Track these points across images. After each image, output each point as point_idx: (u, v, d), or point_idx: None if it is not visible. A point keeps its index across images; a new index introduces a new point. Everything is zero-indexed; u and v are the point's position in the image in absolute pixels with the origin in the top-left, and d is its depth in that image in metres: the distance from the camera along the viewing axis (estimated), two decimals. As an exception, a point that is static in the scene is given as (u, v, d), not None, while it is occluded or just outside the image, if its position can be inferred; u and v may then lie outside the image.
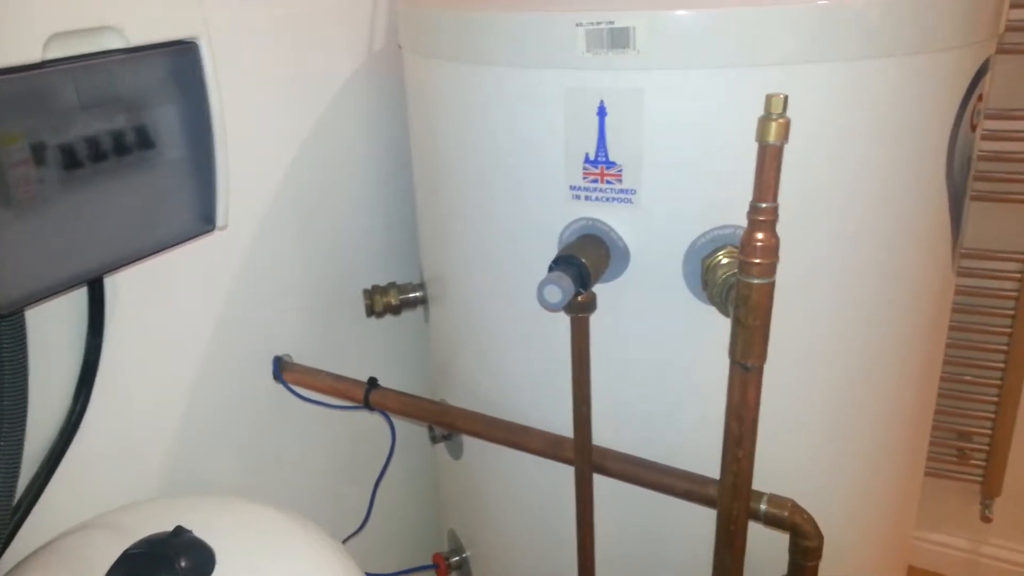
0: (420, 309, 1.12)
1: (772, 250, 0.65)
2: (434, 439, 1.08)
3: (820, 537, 0.77)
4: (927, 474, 1.20)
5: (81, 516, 0.76)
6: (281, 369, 1.05)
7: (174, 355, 0.90)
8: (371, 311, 1.09)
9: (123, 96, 0.66)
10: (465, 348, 1.01)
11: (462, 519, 1.14)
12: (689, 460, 0.84)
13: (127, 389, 0.84)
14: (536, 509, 0.99)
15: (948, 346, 1.07)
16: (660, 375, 0.83)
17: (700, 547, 0.86)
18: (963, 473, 1.65)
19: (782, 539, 0.80)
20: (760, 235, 0.64)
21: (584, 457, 0.83)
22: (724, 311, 0.74)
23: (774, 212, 0.64)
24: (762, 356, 0.68)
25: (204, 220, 0.77)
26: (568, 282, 0.72)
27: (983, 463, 1.63)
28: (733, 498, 0.73)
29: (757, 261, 0.65)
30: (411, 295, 1.10)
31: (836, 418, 0.86)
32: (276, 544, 0.73)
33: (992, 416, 1.57)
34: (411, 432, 1.17)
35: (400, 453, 1.09)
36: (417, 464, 1.24)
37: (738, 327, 0.67)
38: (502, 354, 0.95)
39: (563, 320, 0.79)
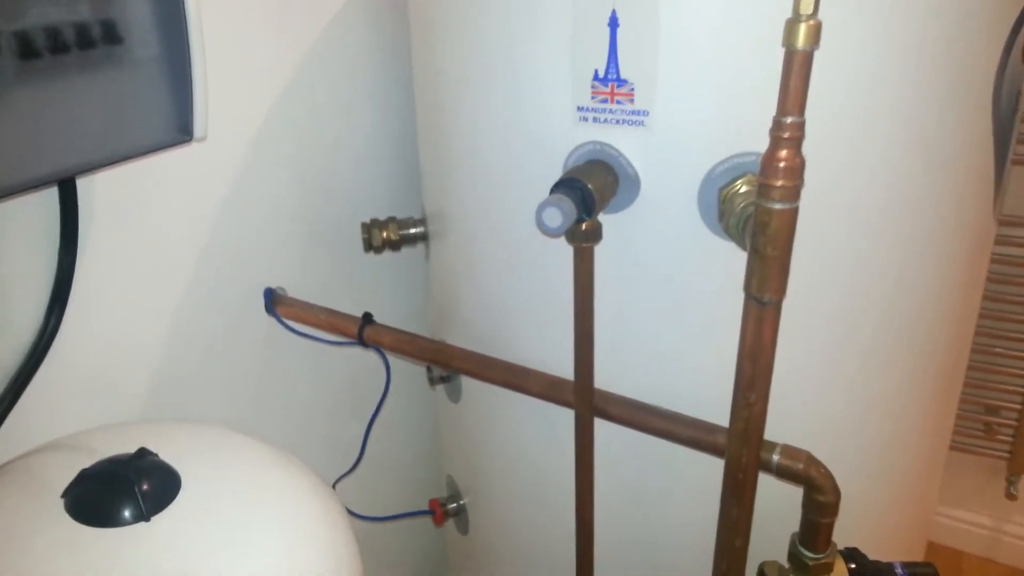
0: (421, 247, 1.07)
1: (796, 171, 0.58)
2: (432, 381, 1.03)
3: (837, 492, 0.72)
4: (951, 448, 1.14)
5: (51, 441, 0.72)
6: (273, 302, 1.01)
7: (157, 279, 0.86)
8: (369, 246, 1.04)
9: (87, -16, 0.60)
10: (466, 287, 0.95)
11: (461, 465, 1.10)
12: (697, 410, 0.78)
13: (104, 312, 0.80)
14: (535, 456, 0.95)
15: (979, 316, 1.00)
16: (669, 314, 0.77)
17: (706, 502, 0.81)
18: (989, 448, 1.59)
19: (795, 494, 0.75)
20: (783, 154, 0.58)
21: (585, 400, 0.78)
22: (742, 244, 0.67)
23: (800, 128, 0.57)
24: (780, 290, 0.62)
25: (181, 129, 0.71)
26: (569, 205, 0.66)
27: (1011, 438, 1.57)
28: (743, 445, 0.67)
29: (779, 184, 0.58)
30: (411, 231, 1.05)
31: (861, 369, 0.80)
32: (253, 475, 0.68)
33: (1023, 390, 1.50)
34: (410, 374, 1.12)
35: (398, 396, 1.05)
36: (416, 408, 1.20)
37: (755, 258, 0.61)
38: (503, 293, 0.89)
39: (566, 255, 0.73)
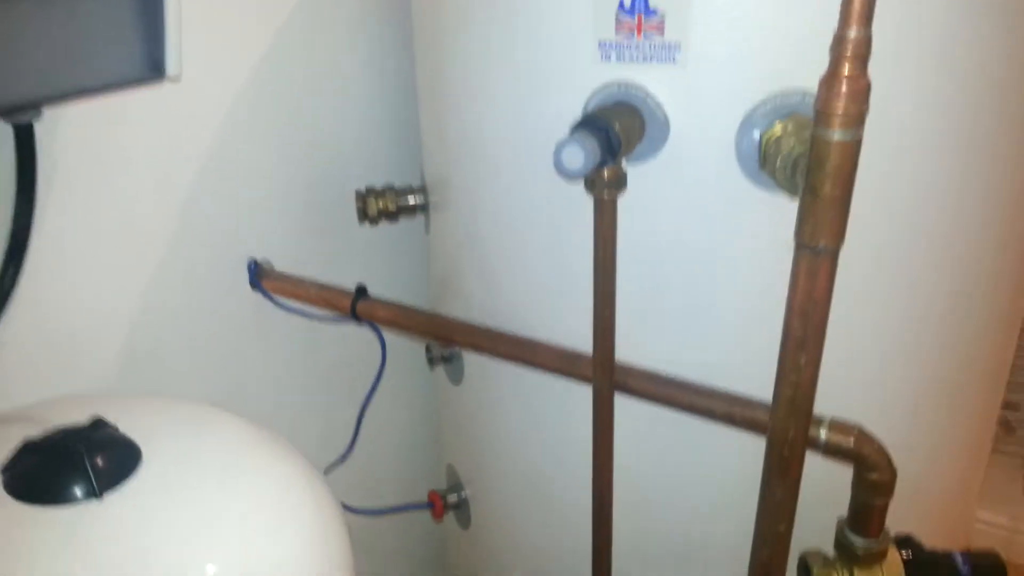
0: (420, 218, 0.99)
1: (860, 94, 0.50)
2: (431, 361, 0.95)
3: (892, 470, 0.64)
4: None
5: None
6: (259, 275, 0.92)
7: (129, 241, 0.77)
8: (364, 216, 0.95)
9: None
10: (469, 260, 0.87)
11: (462, 453, 1.01)
12: (730, 384, 0.70)
13: (68, 272, 0.72)
14: (546, 441, 0.86)
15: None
16: (700, 275, 0.69)
17: (741, 486, 0.73)
18: (1006, 446, 1.52)
19: (837, 475, 0.67)
20: (846, 71, 0.50)
21: (605, 371, 0.70)
22: (790, 187, 0.60)
23: (866, 45, 0.50)
24: (839, 236, 0.54)
25: (152, 66, 0.63)
26: (593, 145, 0.59)
27: None
28: (790, 416, 0.59)
29: (840, 109, 0.50)
30: (410, 200, 0.96)
31: (921, 344, 0.72)
32: (229, 453, 0.60)
33: None
34: (407, 354, 1.04)
35: (394, 377, 0.97)
36: (414, 391, 1.11)
37: (810, 199, 0.53)
38: (512, 264, 0.81)
39: (585, 213, 0.65)
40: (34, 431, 0.53)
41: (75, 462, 0.48)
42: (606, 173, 0.63)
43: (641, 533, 0.82)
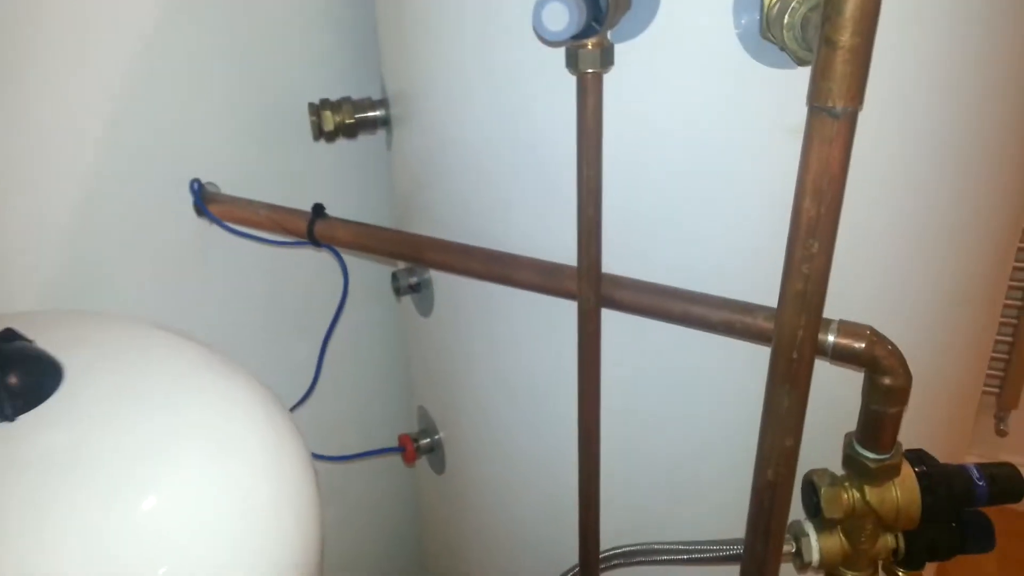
0: (381, 134, 0.91)
1: (887, -77, 0.44)
2: (398, 291, 0.87)
3: (908, 374, 0.58)
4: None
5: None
6: (205, 200, 0.84)
7: (52, 146, 0.68)
8: (319, 131, 0.87)
9: None
10: (436, 176, 0.80)
11: (434, 393, 0.94)
12: (727, 294, 0.64)
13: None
14: (527, 373, 0.79)
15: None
16: (694, 166, 0.62)
17: (739, 402, 0.68)
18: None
19: (848, 380, 0.61)
20: None
21: (591, 280, 0.63)
22: (801, 47, 0.53)
23: None
24: (858, 95, 0.47)
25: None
26: (580, 2, 0.51)
27: (1000, 373, 1.48)
28: (800, 313, 0.53)
29: (863, -58, 0.44)
30: (369, 113, 0.88)
31: (935, 249, 0.66)
32: (170, 375, 0.52)
33: (1013, 322, 1.42)
34: (371, 285, 0.96)
35: (358, 311, 0.89)
36: (379, 326, 1.03)
37: (827, 51, 0.46)
38: (484, 177, 0.74)
39: (563, 114, 0.58)
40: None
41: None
42: (590, 44, 0.55)
43: (628, 466, 0.76)
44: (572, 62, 0.56)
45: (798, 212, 0.51)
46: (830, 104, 0.47)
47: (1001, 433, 1.58)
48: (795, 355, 0.55)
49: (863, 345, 0.58)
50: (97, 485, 0.43)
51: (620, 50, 0.59)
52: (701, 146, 0.62)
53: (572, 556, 0.78)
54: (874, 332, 0.58)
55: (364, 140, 0.89)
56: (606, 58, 0.56)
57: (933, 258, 0.66)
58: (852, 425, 0.64)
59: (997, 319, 0.87)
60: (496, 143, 0.72)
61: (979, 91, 0.63)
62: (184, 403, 0.48)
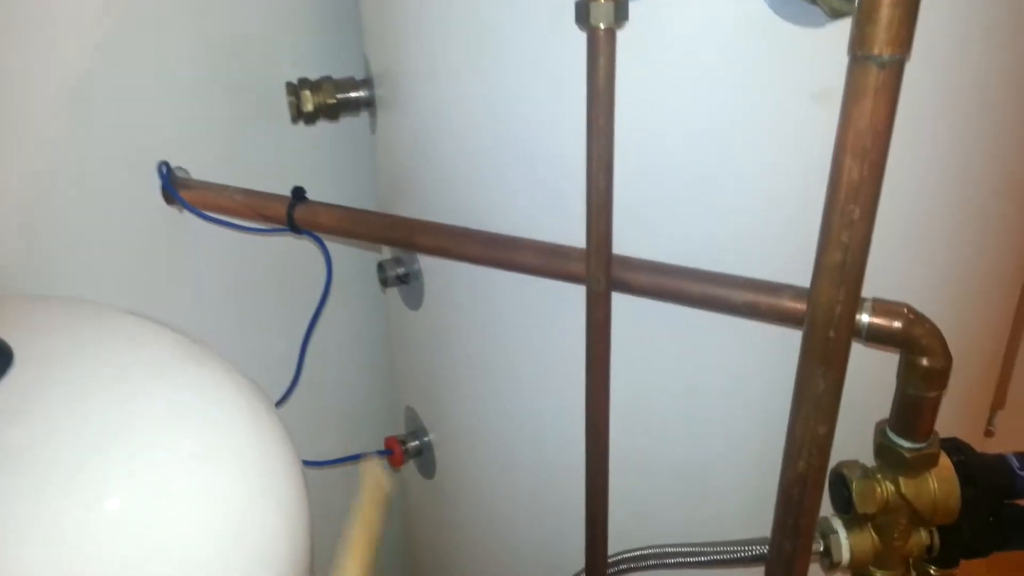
0: (364, 116, 0.85)
1: None
2: (385, 282, 0.81)
3: (948, 356, 0.54)
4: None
5: None
6: (174, 185, 0.77)
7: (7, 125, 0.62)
8: (298, 113, 0.81)
9: None
10: (425, 161, 0.74)
11: (423, 393, 0.88)
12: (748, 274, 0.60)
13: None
14: (525, 366, 0.74)
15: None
16: (711, 135, 0.58)
17: (765, 391, 0.63)
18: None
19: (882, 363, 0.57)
20: None
21: (600, 259, 0.58)
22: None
23: None
24: (907, 42, 0.43)
25: None
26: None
27: None
28: (839, 286, 0.48)
29: None
30: (352, 94, 0.82)
31: (972, 226, 0.62)
32: (136, 361, 0.46)
33: None
34: (355, 277, 0.90)
35: (341, 306, 0.83)
36: (364, 322, 0.97)
37: (872, -7, 0.42)
38: (479, 161, 0.69)
39: (568, 82, 0.54)
40: None
41: None
42: (603, -4, 0.50)
43: (638, 466, 0.71)
44: (583, 17, 0.51)
45: (837, 173, 0.47)
46: (876, 51, 0.43)
47: (988, 433, 1.56)
48: (832, 333, 0.50)
49: (900, 324, 0.53)
50: (54, 482, 0.37)
51: (635, 7, 0.55)
52: (719, 112, 0.57)
53: (572, 566, 0.73)
54: (911, 310, 0.54)
55: (347, 123, 0.84)
56: (620, 13, 0.51)
57: (973, 233, 0.62)
58: (874, 417, 0.60)
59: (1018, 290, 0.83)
60: (492, 125, 0.67)
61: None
62: (155, 391, 0.42)
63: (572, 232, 0.61)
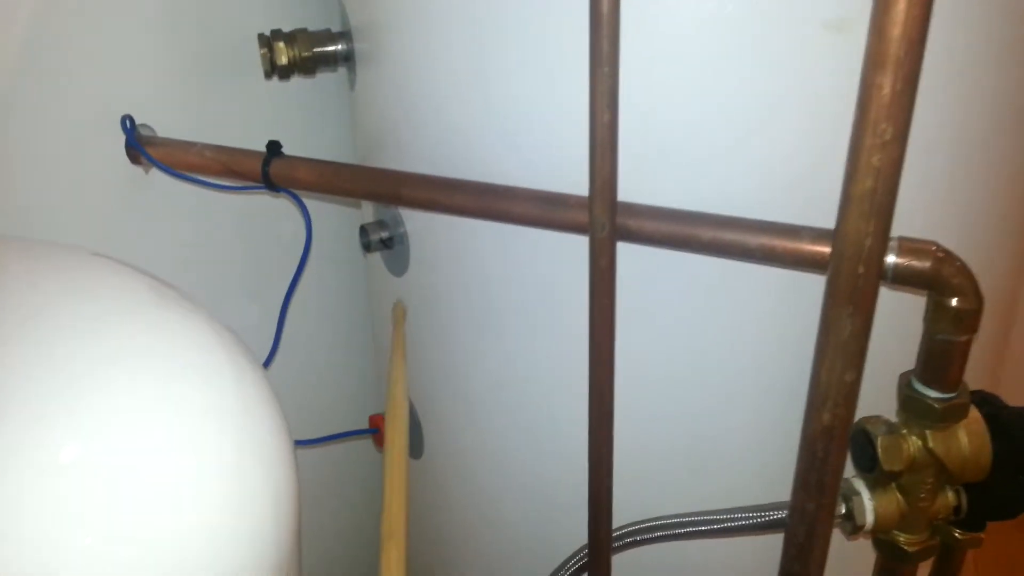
0: (342, 71, 0.80)
1: None
2: (368, 246, 0.76)
3: (980, 297, 0.50)
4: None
5: None
6: (141, 142, 0.72)
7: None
8: (272, 67, 0.76)
9: None
10: (407, 120, 0.70)
11: (409, 367, 0.83)
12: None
13: None
14: (520, 332, 0.70)
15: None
16: (715, 63, 0.54)
17: (780, 351, 0.59)
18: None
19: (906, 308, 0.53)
20: None
21: (604, 199, 0.53)
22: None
23: None
24: (947, -63, 0.39)
25: None
26: None
27: None
28: (869, 218, 0.44)
29: None
30: (329, 47, 0.77)
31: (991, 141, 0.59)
32: (103, 303, 0.41)
33: None
34: (335, 242, 0.85)
35: (321, 274, 0.78)
36: (346, 291, 0.92)
37: None
38: (470, 111, 0.64)
39: (572, 37, 0.49)
40: None
41: None
42: (608, -94, 0.46)
43: (643, 431, 0.66)
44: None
45: (867, 89, 0.43)
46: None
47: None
48: (861, 269, 0.46)
49: (928, 263, 0.50)
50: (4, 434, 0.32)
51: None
52: (726, 42, 0.53)
53: (570, 545, 0.68)
54: (940, 248, 0.50)
55: (323, 78, 0.79)
56: (627, -74, 0.47)
57: (1005, 166, 0.59)
58: (895, 370, 0.56)
59: None
60: (486, 79, 0.62)
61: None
62: (122, 332, 0.37)
63: (571, 183, 0.56)
